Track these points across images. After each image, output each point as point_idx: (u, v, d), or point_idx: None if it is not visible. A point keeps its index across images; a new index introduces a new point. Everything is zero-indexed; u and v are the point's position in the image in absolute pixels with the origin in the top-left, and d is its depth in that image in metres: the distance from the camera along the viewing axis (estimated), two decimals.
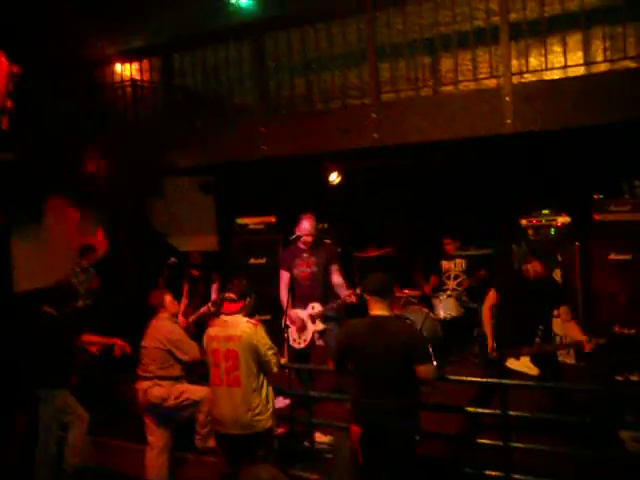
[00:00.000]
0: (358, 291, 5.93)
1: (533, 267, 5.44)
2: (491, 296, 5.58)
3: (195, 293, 7.53)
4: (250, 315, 5.06)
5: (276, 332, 6.45)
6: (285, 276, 6.49)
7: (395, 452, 4.20)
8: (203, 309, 7.24)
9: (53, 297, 6.07)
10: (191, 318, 7.40)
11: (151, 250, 8.82)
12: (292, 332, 6.48)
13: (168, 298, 5.80)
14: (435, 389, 5.34)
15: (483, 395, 5.34)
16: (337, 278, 6.42)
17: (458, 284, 8.00)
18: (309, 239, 6.45)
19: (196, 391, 5.58)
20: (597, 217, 6.80)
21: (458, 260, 8.22)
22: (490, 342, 5.42)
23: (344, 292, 6.26)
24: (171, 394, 5.52)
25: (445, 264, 8.24)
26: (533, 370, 5.20)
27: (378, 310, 4.39)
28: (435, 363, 7.00)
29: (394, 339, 4.24)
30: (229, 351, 4.76)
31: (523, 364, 5.22)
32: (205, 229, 9.78)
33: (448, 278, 8.17)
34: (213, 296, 7.55)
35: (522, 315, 5.33)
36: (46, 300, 6.07)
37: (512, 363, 5.23)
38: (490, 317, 5.50)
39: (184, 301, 7.55)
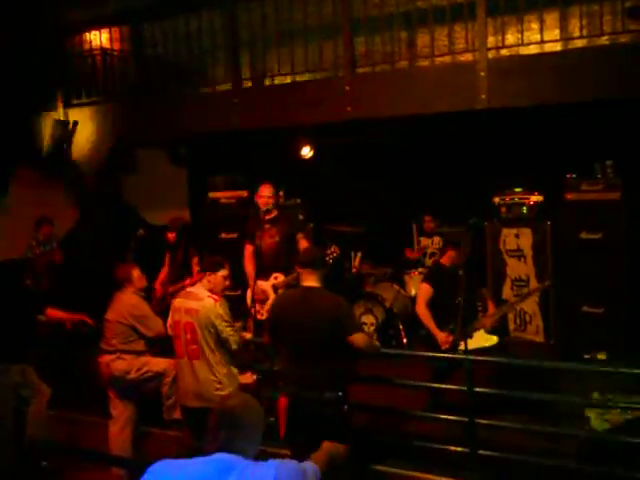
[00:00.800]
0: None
1: (449, 256, 5.86)
2: (424, 290, 5.80)
3: (174, 262, 7.40)
4: (223, 291, 5.00)
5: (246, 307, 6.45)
6: (249, 248, 6.40)
7: (321, 423, 4.16)
8: (186, 282, 7.12)
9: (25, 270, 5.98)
10: (170, 289, 7.26)
11: (122, 223, 8.66)
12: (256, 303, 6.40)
13: (136, 273, 5.69)
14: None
15: (440, 374, 5.38)
16: (304, 244, 6.25)
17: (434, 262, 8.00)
18: (266, 203, 6.27)
19: (158, 363, 5.52)
20: (569, 196, 6.77)
21: (436, 238, 8.24)
22: (439, 334, 5.55)
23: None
24: (133, 367, 5.45)
25: (423, 240, 8.30)
26: (491, 339, 5.40)
27: (309, 282, 4.36)
28: (405, 340, 7.20)
29: (322, 310, 4.21)
30: (187, 324, 4.74)
31: (480, 339, 5.34)
32: (177, 203, 9.63)
33: (424, 255, 8.20)
34: (194, 269, 7.39)
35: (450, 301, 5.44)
36: (18, 272, 5.96)
37: (469, 343, 5.20)
38: (428, 311, 5.72)
39: (165, 269, 7.42)
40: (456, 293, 5.31)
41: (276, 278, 6.29)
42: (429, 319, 5.67)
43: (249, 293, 6.29)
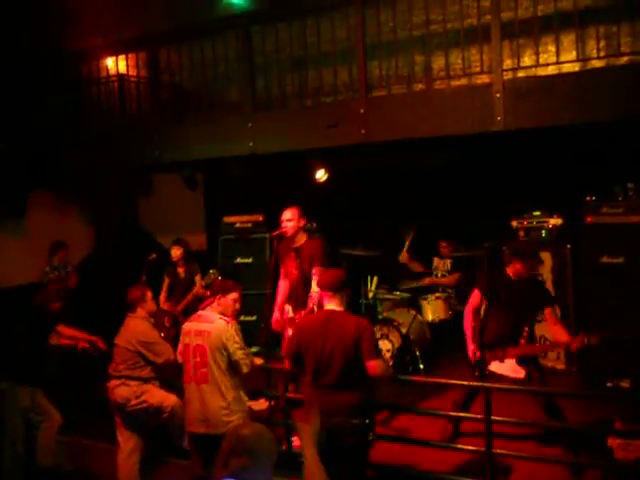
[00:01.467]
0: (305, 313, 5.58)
1: (514, 267, 5.29)
2: (474, 298, 5.41)
3: (177, 284, 7.34)
4: (234, 315, 4.93)
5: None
6: (282, 270, 6.21)
7: (347, 451, 4.05)
8: (189, 295, 7.06)
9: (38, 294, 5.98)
10: (179, 307, 7.22)
11: (138, 249, 8.66)
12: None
13: (149, 294, 5.66)
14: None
15: (466, 400, 5.17)
16: (314, 286, 5.82)
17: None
18: (287, 226, 6.00)
19: (155, 395, 5.42)
20: (589, 219, 6.62)
21: (448, 260, 8.15)
22: (470, 345, 5.24)
23: (309, 305, 5.71)
24: (135, 394, 5.35)
25: (436, 260, 8.21)
26: (519, 373, 5.01)
27: (331, 305, 4.31)
28: (422, 366, 7.05)
29: (346, 332, 4.13)
30: (198, 346, 4.65)
31: (508, 367, 5.03)
32: (194, 228, 9.65)
33: (436, 276, 8.12)
34: (197, 285, 7.35)
35: (506, 317, 5.16)
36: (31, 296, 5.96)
37: (497, 367, 5.05)
38: (472, 319, 5.32)
39: (163, 295, 7.37)
40: (518, 307, 5.09)
41: (288, 312, 6.11)
42: (468, 325, 5.32)
43: (276, 317, 6.13)
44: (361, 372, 4.10)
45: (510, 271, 5.32)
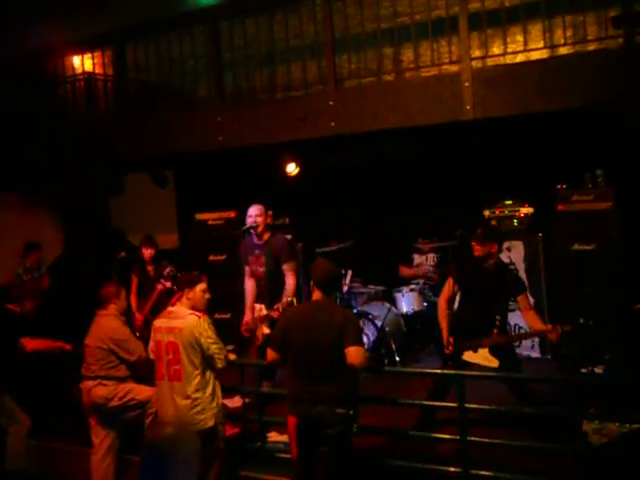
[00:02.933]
0: (281, 306, 5.45)
1: (474, 251, 5.24)
2: (447, 287, 5.37)
3: (147, 282, 7.21)
4: (205, 306, 4.86)
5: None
6: (247, 271, 6.21)
7: (330, 441, 4.02)
8: (154, 295, 6.93)
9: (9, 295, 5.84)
10: (147, 307, 7.08)
11: (108, 249, 8.54)
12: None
13: (124, 292, 5.58)
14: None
15: (439, 389, 5.15)
16: (289, 280, 5.91)
17: (429, 278, 7.86)
18: (257, 225, 6.01)
19: (142, 391, 5.31)
20: (560, 207, 6.63)
21: (430, 255, 8.10)
22: (445, 335, 5.19)
23: (283, 300, 5.59)
24: (116, 394, 5.25)
25: (417, 258, 8.15)
26: (493, 362, 4.99)
27: (318, 296, 4.31)
28: (398, 359, 7.02)
29: (332, 322, 4.12)
30: (170, 343, 4.58)
31: (481, 356, 5.02)
32: (165, 226, 9.52)
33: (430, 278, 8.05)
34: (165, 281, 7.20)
35: (478, 306, 5.15)
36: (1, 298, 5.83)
37: (470, 356, 5.03)
38: (446, 309, 5.27)
39: (133, 297, 7.22)
40: (490, 295, 5.07)
41: (261, 310, 6.02)
42: (442, 315, 5.26)
43: (247, 318, 6.10)
44: (345, 363, 4.07)
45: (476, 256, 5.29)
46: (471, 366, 5.02)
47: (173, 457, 2.28)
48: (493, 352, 5.00)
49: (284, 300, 5.65)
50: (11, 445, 5.47)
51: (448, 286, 5.35)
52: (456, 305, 5.41)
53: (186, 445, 2.33)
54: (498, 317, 5.08)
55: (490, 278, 5.19)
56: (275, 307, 5.59)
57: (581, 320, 6.36)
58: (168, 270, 6.82)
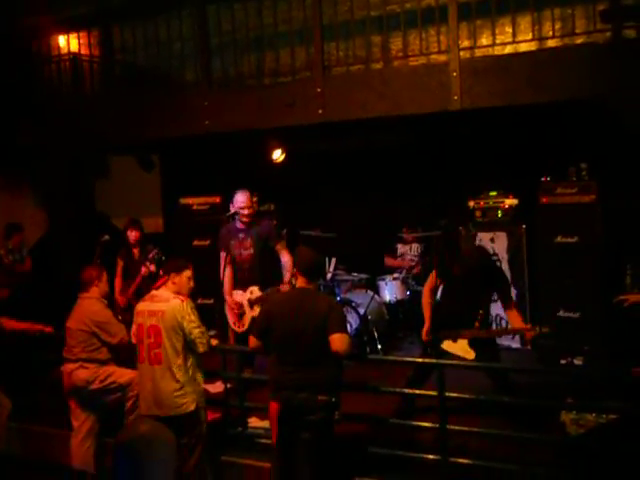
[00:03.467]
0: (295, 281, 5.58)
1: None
2: (432, 277, 5.39)
3: (132, 266, 7.16)
4: (189, 293, 4.85)
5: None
6: (223, 257, 6.20)
7: (312, 428, 4.05)
8: (138, 278, 6.89)
9: None
10: (130, 290, 7.02)
11: (92, 231, 8.48)
12: (231, 316, 6.23)
13: (105, 275, 5.55)
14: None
15: (418, 377, 5.18)
16: (284, 257, 6.03)
17: (411, 267, 7.90)
18: (246, 212, 6.08)
19: (123, 374, 5.32)
20: (544, 199, 6.68)
21: (414, 245, 8.14)
22: (426, 324, 5.23)
23: (286, 277, 5.90)
24: (97, 376, 5.26)
25: (401, 247, 8.18)
26: (470, 354, 5.03)
27: (303, 283, 4.33)
28: (380, 347, 7.06)
29: (317, 310, 4.14)
30: (152, 326, 4.57)
31: (460, 347, 5.06)
32: (150, 210, 9.47)
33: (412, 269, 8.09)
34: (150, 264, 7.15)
35: (461, 297, 5.18)
36: None
37: (449, 346, 5.06)
38: (429, 299, 5.31)
39: (118, 278, 7.18)
40: (471, 288, 5.10)
41: (252, 292, 6.08)
42: (426, 304, 5.31)
43: (236, 299, 6.13)
44: (328, 350, 4.09)
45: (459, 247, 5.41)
46: (449, 355, 5.05)
47: (149, 457, 2.15)
48: (472, 343, 5.03)
49: (287, 277, 5.82)
50: None
51: (432, 276, 5.37)
52: (439, 295, 5.44)
53: (162, 443, 2.20)
54: (481, 311, 5.11)
55: (472, 270, 5.21)
56: (280, 286, 5.72)
57: (561, 313, 6.48)
58: (153, 253, 6.78)
